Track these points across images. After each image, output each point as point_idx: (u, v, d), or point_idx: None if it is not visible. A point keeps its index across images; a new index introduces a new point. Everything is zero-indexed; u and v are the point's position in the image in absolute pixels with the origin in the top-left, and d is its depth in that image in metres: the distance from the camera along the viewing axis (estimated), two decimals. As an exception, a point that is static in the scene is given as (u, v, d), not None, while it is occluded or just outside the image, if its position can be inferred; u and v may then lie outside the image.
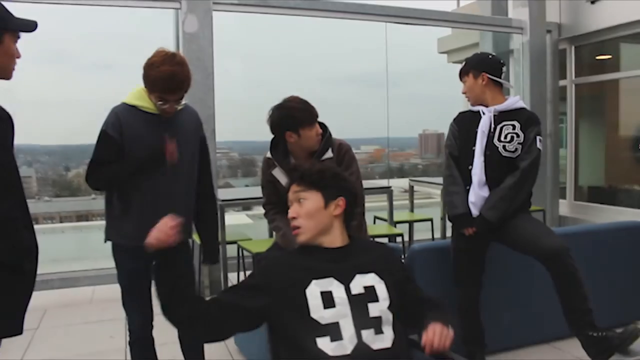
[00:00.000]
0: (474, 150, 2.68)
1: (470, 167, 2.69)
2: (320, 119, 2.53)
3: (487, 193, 2.66)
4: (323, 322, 1.52)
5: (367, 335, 1.53)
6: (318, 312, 1.53)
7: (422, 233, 5.53)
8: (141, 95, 2.26)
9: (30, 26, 1.77)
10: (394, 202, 5.00)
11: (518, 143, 2.64)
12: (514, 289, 3.08)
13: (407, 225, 5.36)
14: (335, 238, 1.69)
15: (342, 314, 1.54)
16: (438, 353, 1.53)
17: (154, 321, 2.43)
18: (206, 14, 4.63)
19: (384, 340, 1.54)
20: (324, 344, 1.50)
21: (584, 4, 5.94)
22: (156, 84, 2.17)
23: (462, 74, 2.82)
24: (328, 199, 1.69)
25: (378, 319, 1.56)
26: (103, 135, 2.24)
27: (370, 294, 1.59)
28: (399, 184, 7.05)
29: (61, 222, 7.67)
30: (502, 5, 6.47)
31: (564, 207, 6.58)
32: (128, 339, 2.44)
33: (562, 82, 6.50)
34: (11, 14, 1.75)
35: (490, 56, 2.84)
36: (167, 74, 2.14)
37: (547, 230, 2.68)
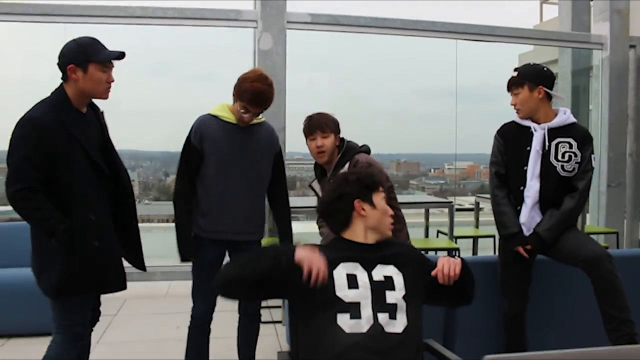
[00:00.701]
0: (525, 170, 2.62)
1: (521, 187, 2.63)
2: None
3: (539, 213, 2.63)
4: (346, 300, 1.69)
5: (382, 318, 1.68)
6: (343, 290, 1.70)
7: (486, 251, 5.47)
8: (223, 107, 2.66)
9: (112, 56, 2.14)
10: (470, 219, 5.04)
11: (576, 162, 2.60)
12: (563, 311, 3.00)
13: (470, 241, 5.33)
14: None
15: (363, 295, 1.70)
16: (450, 279, 1.73)
17: (214, 313, 2.69)
18: (280, 32, 4.92)
19: (396, 325, 1.68)
20: (343, 320, 1.66)
21: (673, 18, 5.65)
22: (244, 95, 2.54)
23: (515, 85, 2.68)
24: None
25: (393, 306, 1.71)
26: (187, 142, 2.66)
27: (388, 282, 1.74)
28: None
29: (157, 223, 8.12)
30: (583, 21, 6.29)
31: (646, 231, 6.22)
32: (189, 324, 2.71)
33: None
34: (98, 49, 2.12)
35: (545, 68, 2.73)
36: (257, 89, 2.53)
37: (589, 239, 2.65)
